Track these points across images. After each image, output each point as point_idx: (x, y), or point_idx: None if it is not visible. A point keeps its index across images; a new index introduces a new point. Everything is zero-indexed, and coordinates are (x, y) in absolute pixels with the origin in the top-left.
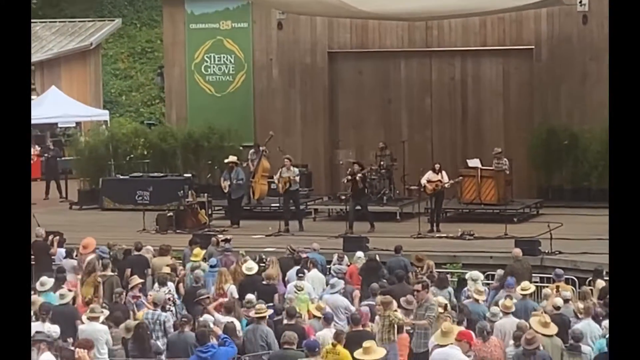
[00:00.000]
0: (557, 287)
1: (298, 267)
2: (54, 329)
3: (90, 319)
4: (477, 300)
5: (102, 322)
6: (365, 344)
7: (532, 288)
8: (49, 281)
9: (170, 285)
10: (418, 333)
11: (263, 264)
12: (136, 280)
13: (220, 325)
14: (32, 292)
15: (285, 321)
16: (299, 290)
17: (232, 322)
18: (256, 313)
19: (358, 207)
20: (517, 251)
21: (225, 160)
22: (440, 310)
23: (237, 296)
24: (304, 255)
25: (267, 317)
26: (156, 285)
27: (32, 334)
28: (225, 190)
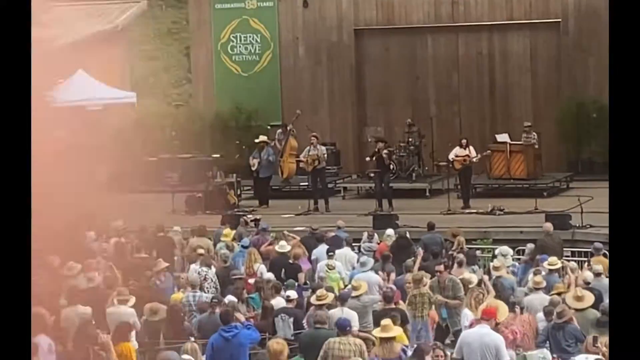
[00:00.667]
0: (589, 261)
1: (327, 245)
2: (84, 311)
3: (119, 302)
4: (499, 276)
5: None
6: (383, 322)
7: (559, 263)
8: (76, 266)
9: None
10: (450, 311)
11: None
12: (162, 264)
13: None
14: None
15: (314, 300)
16: (330, 269)
17: (268, 302)
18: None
19: (383, 185)
20: (548, 226)
21: (256, 140)
22: (473, 287)
23: (267, 276)
24: (331, 234)
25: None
26: (193, 265)
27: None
28: (254, 169)
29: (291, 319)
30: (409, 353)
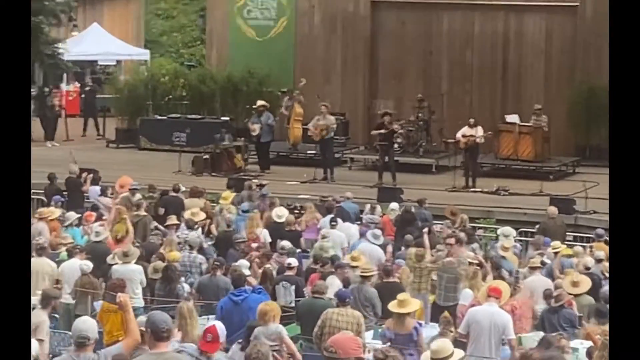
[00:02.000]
0: (590, 247)
1: (331, 215)
2: (85, 264)
3: (125, 259)
4: (502, 256)
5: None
6: (400, 296)
7: (562, 246)
8: (73, 215)
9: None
10: (447, 287)
11: (297, 211)
12: (173, 219)
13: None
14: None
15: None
16: (323, 238)
17: (269, 267)
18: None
19: (386, 158)
20: (552, 209)
21: (255, 104)
22: (475, 265)
23: (269, 240)
24: (336, 205)
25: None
26: (185, 229)
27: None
28: (254, 134)
29: (293, 287)
30: (422, 329)
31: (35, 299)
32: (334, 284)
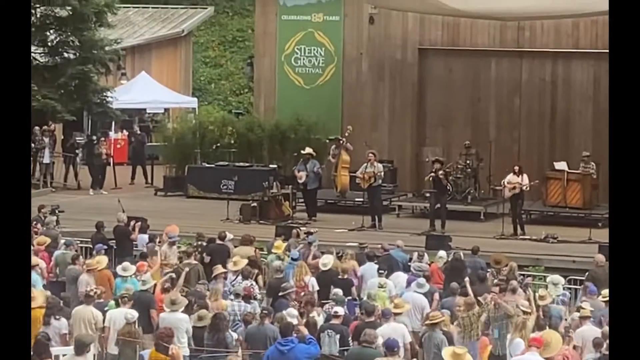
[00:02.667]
0: None
1: (376, 263)
2: (130, 313)
3: (172, 307)
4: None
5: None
6: (458, 350)
7: None
8: (131, 267)
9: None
10: (502, 336)
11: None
12: (219, 269)
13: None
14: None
15: (364, 318)
16: (380, 287)
17: (313, 316)
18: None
19: (438, 205)
20: (600, 257)
21: (302, 152)
22: (524, 313)
23: (317, 288)
24: (384, 252)
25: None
26: (239, 277)
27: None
28: (301, 181)
29: (337, 336)
30: None
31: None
32: (384, 333)
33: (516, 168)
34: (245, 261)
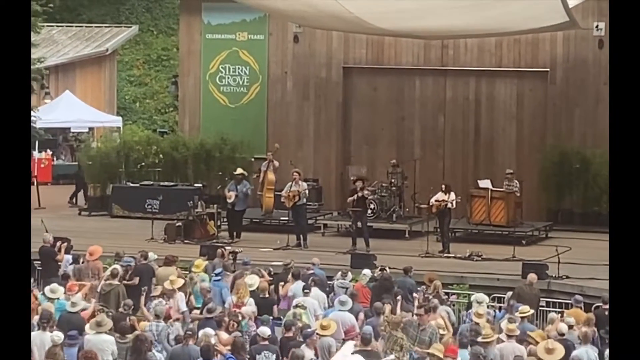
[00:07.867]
0: (562, 313)
1: (303, 282)
2: (57, 335)
3: (97, 329)
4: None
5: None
6: None
7: (531, 311)
8: (60, 289)
9: (180, 296)
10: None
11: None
12: (158, 290)
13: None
14: (34, 299)
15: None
16: (300, 307)
17: (241, 336)
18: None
19: (359, 224)
20: (533, 276)
21: (235, 172)
22: (442, 331)
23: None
24: (309, 272)
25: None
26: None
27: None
28: (230, 201)
29: (274, 356)
30: None
31: None
32: (305, 355)
33: (443, 186)
34: (182, 281)
